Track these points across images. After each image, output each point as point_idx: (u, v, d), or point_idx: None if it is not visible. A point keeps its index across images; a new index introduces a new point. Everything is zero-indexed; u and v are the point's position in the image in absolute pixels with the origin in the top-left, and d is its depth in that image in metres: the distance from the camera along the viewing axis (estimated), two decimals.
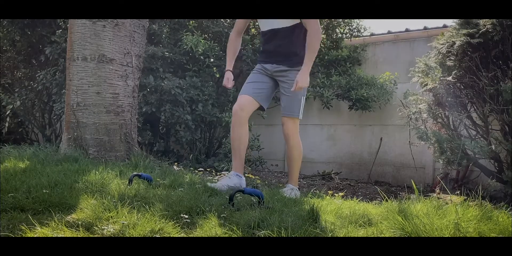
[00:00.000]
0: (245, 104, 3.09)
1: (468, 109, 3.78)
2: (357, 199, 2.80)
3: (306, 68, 2.93)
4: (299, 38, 3.06)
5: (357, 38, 5.83)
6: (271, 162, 5.62)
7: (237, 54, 3.32)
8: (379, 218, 2.14)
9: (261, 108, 3.18)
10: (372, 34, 5.91)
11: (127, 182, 2.68)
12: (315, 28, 2.96)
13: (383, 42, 5.72)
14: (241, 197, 2.43)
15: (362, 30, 5.84)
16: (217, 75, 5.44)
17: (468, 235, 1.86)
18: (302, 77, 2.91)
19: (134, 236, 1.78)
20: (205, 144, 5.33)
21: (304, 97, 3.15)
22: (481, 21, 3.49)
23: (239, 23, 3.27)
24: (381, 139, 5.40)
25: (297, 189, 3.20)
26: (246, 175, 3.43)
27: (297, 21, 3.02)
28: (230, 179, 2.95)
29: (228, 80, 3.18)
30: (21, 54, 6.50)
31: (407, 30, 5.60)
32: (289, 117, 3.11)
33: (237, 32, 3.28)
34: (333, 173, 5.17)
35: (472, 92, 3.68)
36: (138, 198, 2.30)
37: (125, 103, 3.90)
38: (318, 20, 3.01)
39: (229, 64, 3.23)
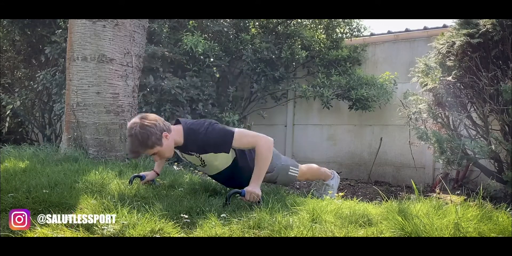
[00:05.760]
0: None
1: (468, 109, 3.78)
2: (357, 199, 2.80)
3: (254, 183, 2.41)
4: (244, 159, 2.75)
5: (357, 38, 5.84)
6: None
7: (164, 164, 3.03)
8: (379, 218, 2.14)
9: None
10: (372, 34, 5.91)
11: (128, 182, 2.68)
12: (264, 148, 2.50)
13: (383, 42, 5.72)
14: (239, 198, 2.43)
15: (362, 30, 5.85)
16: (217, 75, 5.45)
17: (468, 235, 1.86)
18: (251, 190, 2.36)
19: (134, 236, 1.78)
20: None
21: None
22: (481, 21, 3.49)
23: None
24: (381, 139, 5.41)
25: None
26: None
27: (233, 155, 2.67)
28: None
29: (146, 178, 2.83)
30: (21, 54, 6.50)
31: (407, 30, 5.60)
32: None
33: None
34: None
35: (472, 92, 3.68)
36: (138, 198, 2.31)
37: (125, 103, 3.90)
38: (265, 138, 2.52)
39: (157, 166, 2.91)
